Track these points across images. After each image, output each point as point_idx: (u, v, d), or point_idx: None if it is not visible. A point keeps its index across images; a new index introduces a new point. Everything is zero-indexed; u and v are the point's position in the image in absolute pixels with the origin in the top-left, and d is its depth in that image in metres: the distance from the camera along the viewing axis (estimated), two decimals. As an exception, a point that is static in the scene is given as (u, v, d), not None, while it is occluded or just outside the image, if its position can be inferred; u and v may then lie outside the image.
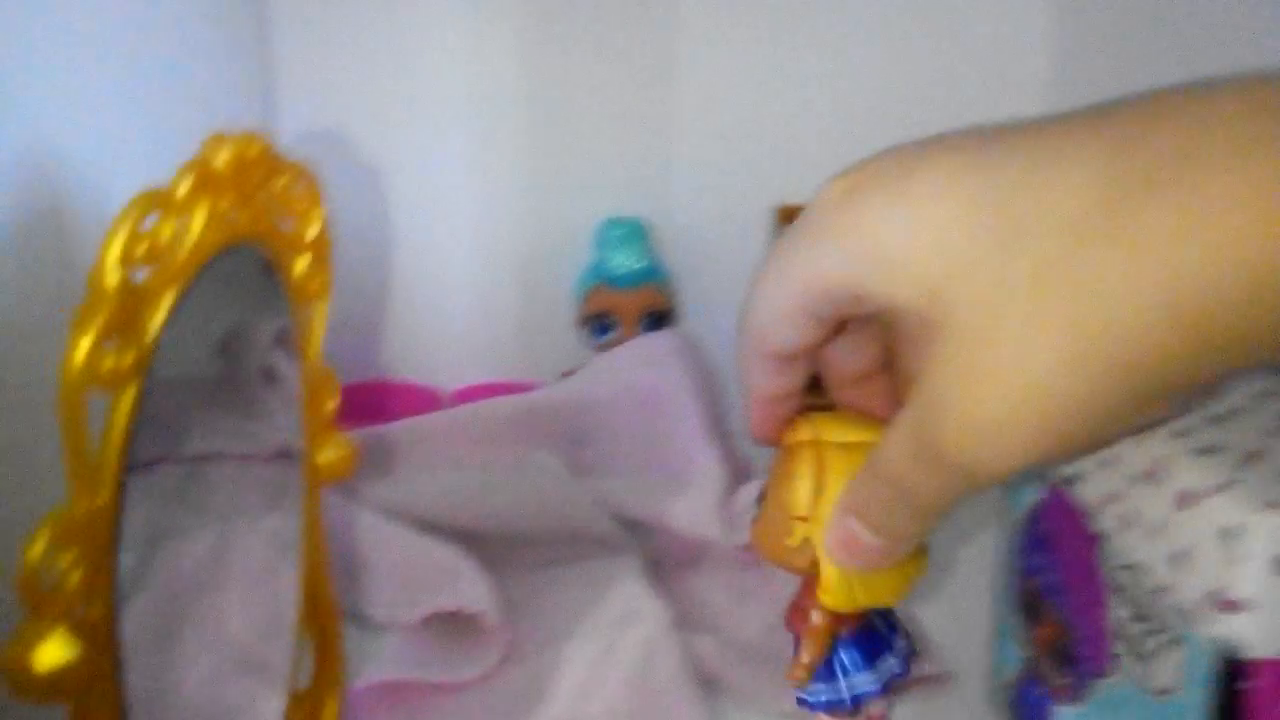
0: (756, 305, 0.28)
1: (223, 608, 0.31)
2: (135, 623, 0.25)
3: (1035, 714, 0.36)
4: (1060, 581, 0.34)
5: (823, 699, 0.32)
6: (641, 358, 0.54)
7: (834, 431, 0.30)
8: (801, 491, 0.29)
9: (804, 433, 0.30)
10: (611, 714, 0.39)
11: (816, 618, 0.31)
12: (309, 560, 0.32)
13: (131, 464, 0.26)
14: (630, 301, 0.56)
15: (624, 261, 0.55)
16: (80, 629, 0.21)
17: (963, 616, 0.43)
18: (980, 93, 0.57)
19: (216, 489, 0.33)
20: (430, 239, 0.57)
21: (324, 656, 0.33)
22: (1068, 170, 0.22)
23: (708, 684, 0.41)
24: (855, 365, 0.31)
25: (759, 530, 0.31)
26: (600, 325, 0.56)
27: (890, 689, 0.32)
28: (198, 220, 0.22)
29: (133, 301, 0.21)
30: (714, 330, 0.58)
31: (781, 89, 0.57)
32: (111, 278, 0.20)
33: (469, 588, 0.43)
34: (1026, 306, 0.22)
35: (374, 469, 0.52)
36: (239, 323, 0.32)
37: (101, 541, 0.22)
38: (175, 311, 0.23)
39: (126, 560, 0.24)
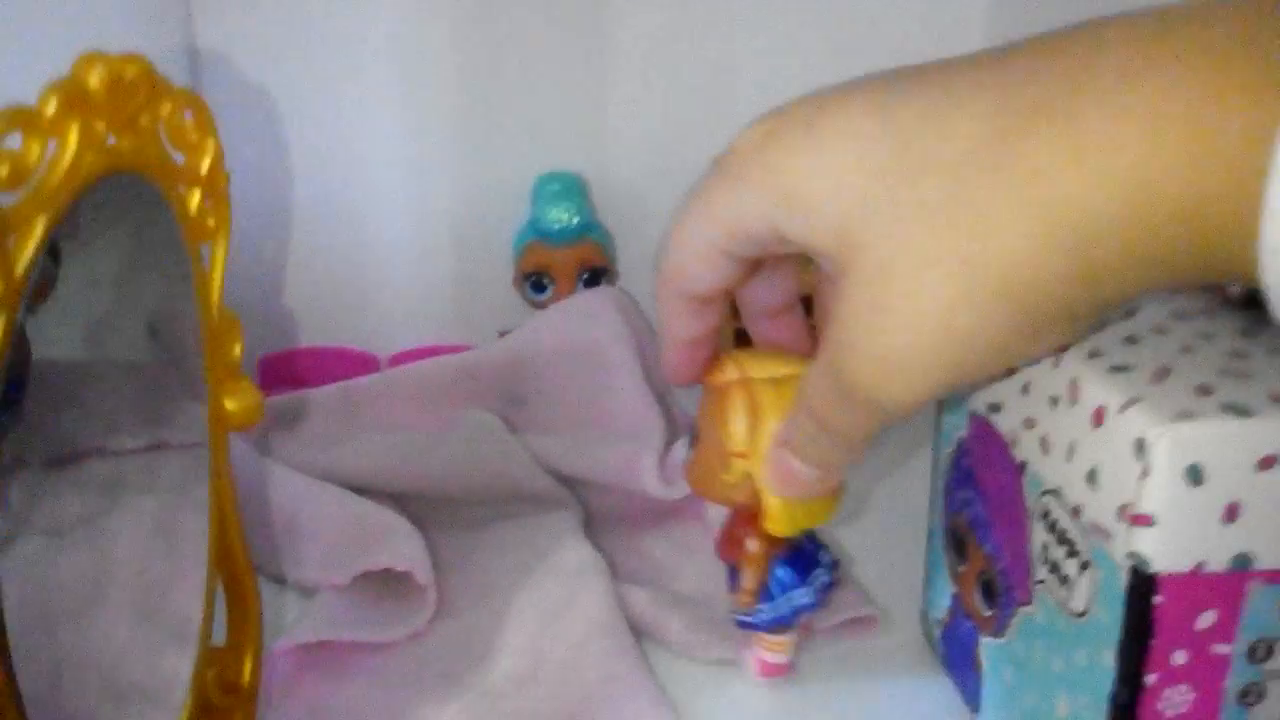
0: (675, 247, 0.28)
1: (121, 561, 0.30)
2: (16, 576, 0.24)
3: (964, 648, 0.36)
4: (985, 514, 0.34)
5: (766, 618, 0.35)
6: (579, 313, 0.53)
7: (760, 368, 0.31)
8: (737, 429, 0.30)
9: (731, 372, 0.31)
10: (568, 669, 0.38)
11: (753, 545, 0.33)
12: (217, 512, 0.31)
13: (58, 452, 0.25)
14: (567, 258, 0.55)
15: (560, 217, 0.55)
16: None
17: (894, 557, 0.43)
18: (920, 43, 0.57)
19: (119, 463, 0.32)
20: (359, 198, 0.56)
21: (239, 612, 0.33)
22: (962, 107, 0.23)
23: (645, 636, 0.40)
24: (771, 300, 0.32)
25: (696, 470, 0.33)
26: (537, 283, 0.55)
27: (823, 598, 0.35)
28: (70, 142, 0.21)
29: (-3, 226, 0.20)
30: (652, 286, 0.57)
31: (719, 39, 0.57)
32: (-30, 198, 0.19)
33: (398, 546, 0.42)
34: (919, 241, 0.22)
35: (304, 433, 0.51)
36: (162, 303, 0.31)
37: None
38: (51, 242, 0.22)
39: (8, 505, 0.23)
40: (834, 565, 0.36)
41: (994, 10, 0.56)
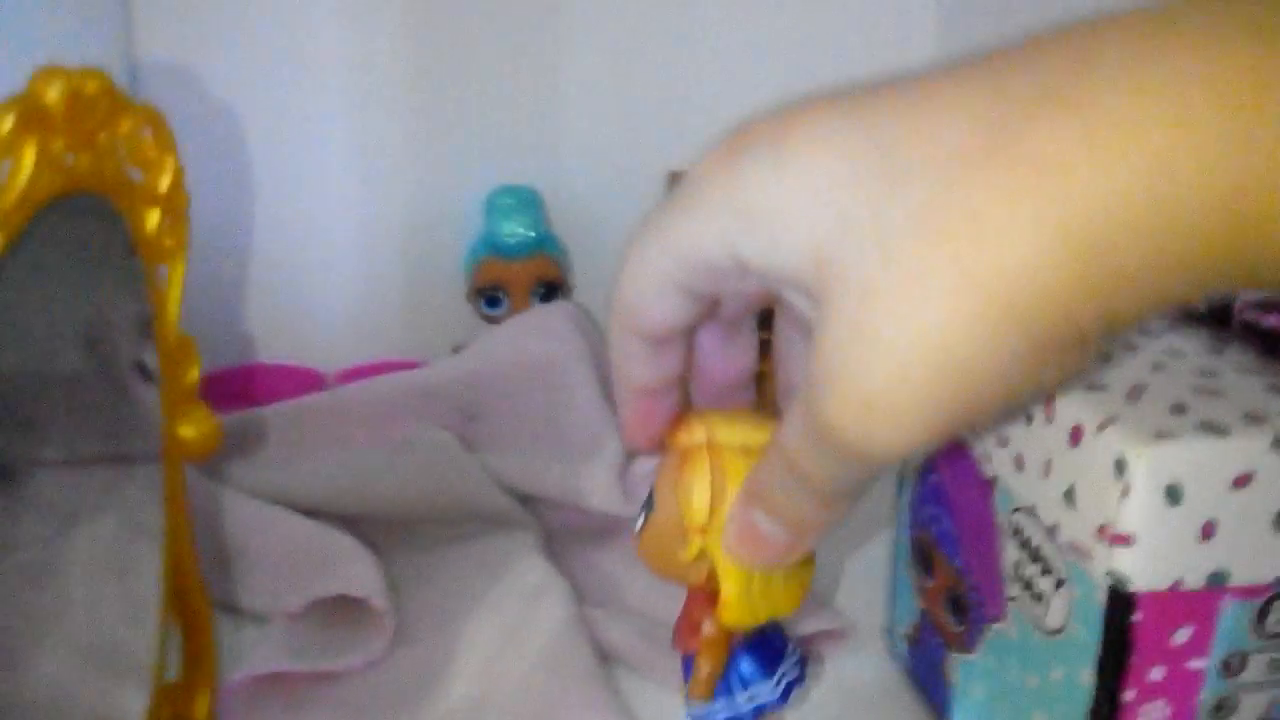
0: (626, 281, 0.25)
1: (67, 595, 0.29)
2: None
3: (932, 664, 0.36)
4: (954, 530, 0.34)
5: (722, 716, 0.30)
6: (535, 329, 0.52)
7: (730, 433, 0.27)
8: (698, 499, 0.26)
9: (697, 434, 0.27)
10: (525, 691, 0.37)
11: (710, 628, 0.29)
12: (172, 544, 0.30)
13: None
14: (521, 272, 0.54)
15: (514, 231, 0.54)
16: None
17: (860, 572, 0.43)
18: (869, 56, 0.57)
19: (68, 484, 0.31)
20: (306, 213, 0.55)
21: (193, 647, 0.31)
22: (951, 105, 0.20)
23: (608, 658, 0.40)
24: (724, 373, 0.29)
25: (648, 543, 0.28)
26: (490, 298, 0.54)
27: (788, 697, 0.30)
28: (26, 162, 0.20)
29: (-50, 249, 0.19)
30: (607, 301, 0.57)
31: (673, 51, 0.56)
32: (-78, 220, 0.18)
33: (353, 571, 0.41)
34: (909, 256, 0.19)
35: (252, 454, 0.49)
36: (99, 313, 0.30)
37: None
38: (5, 263, 0.20)
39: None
40: (803, 662, 0.31)
41: (944, 21, 0.57)
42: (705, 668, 0.29)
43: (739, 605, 0.27)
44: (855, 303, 0.20)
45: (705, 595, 0.28)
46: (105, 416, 0.30)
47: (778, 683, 0.30)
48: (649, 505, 0.28)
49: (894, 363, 0.20)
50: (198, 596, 0.31)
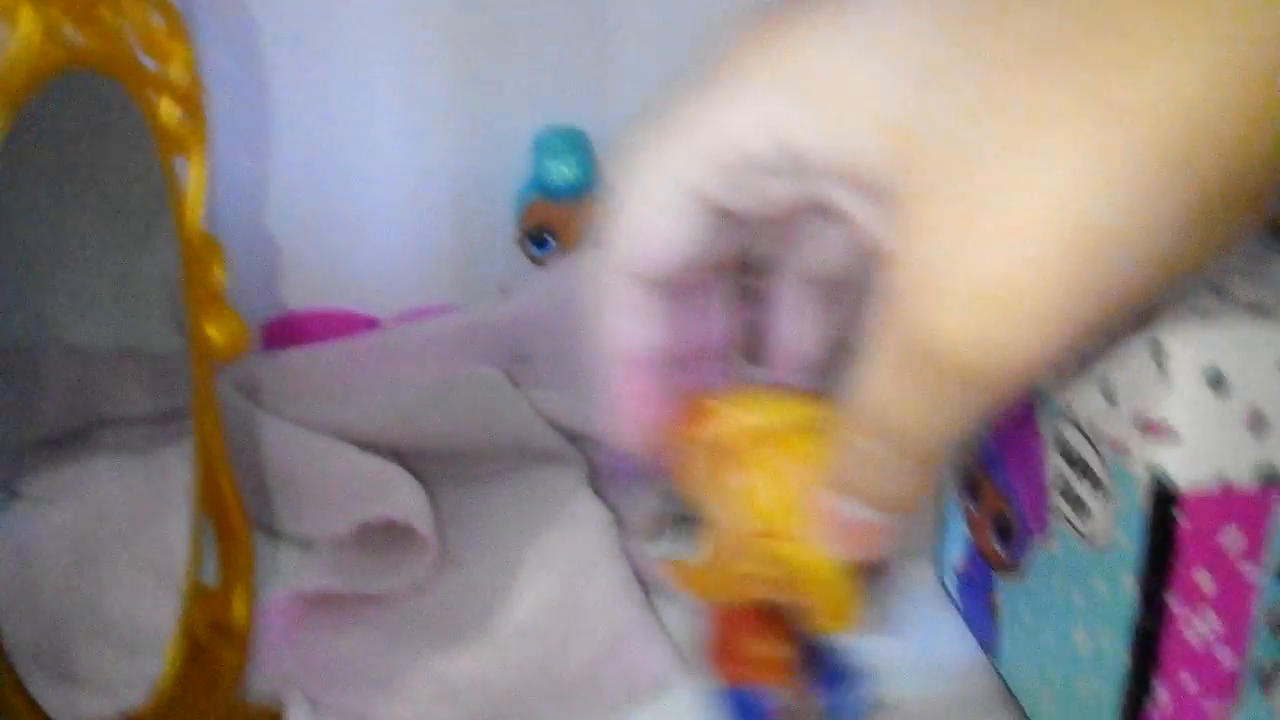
0: (630, 196, 0.20)
1: (108, 510, 0.29)
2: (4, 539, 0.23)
3: (980, 591, 0.34)
4: (998, 449, 0.32)
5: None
6: (581, 270, 0.52)
7: (770, 412, 0.22)
8: (766, 495, 0.21)
9: (729, 421, 0.22)
10: (572, 619, 0.37)
11: (763, 649, 0.25)
12: (203, 448, 0.30)
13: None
14: (569, 215, 0.54)
15: (563, 173, 0.54)
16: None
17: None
18: None
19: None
20: (355, 156, 0.55)
21: (229, 551, 0.32)
22: None
23: (653, 589, 0.39)
24: (702, 333, 0.23)
25: (711, 569, 0.23)
26: (539, 240, 0.54)
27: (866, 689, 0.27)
28: (23, 26, 0.20)
29: (-52, 111, 0.19)
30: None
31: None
32: (-84, 77, 0.18)
33: (399, 498, 0.41)
34: (1026, 100, 0.15)
35: (305, 390, 0.50)
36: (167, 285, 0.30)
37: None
38: (10, 137, 0.21)
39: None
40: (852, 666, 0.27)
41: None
42: (788, 693, 0.25)
43: (838, 606, 0.22)
44: (955, 176, 0.16)
45: (754, 613, 0.24)
46: (178, 381, 0.31)
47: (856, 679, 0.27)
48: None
49: (1018, 241, 0.15)
50: (231, 502, 0.31)
